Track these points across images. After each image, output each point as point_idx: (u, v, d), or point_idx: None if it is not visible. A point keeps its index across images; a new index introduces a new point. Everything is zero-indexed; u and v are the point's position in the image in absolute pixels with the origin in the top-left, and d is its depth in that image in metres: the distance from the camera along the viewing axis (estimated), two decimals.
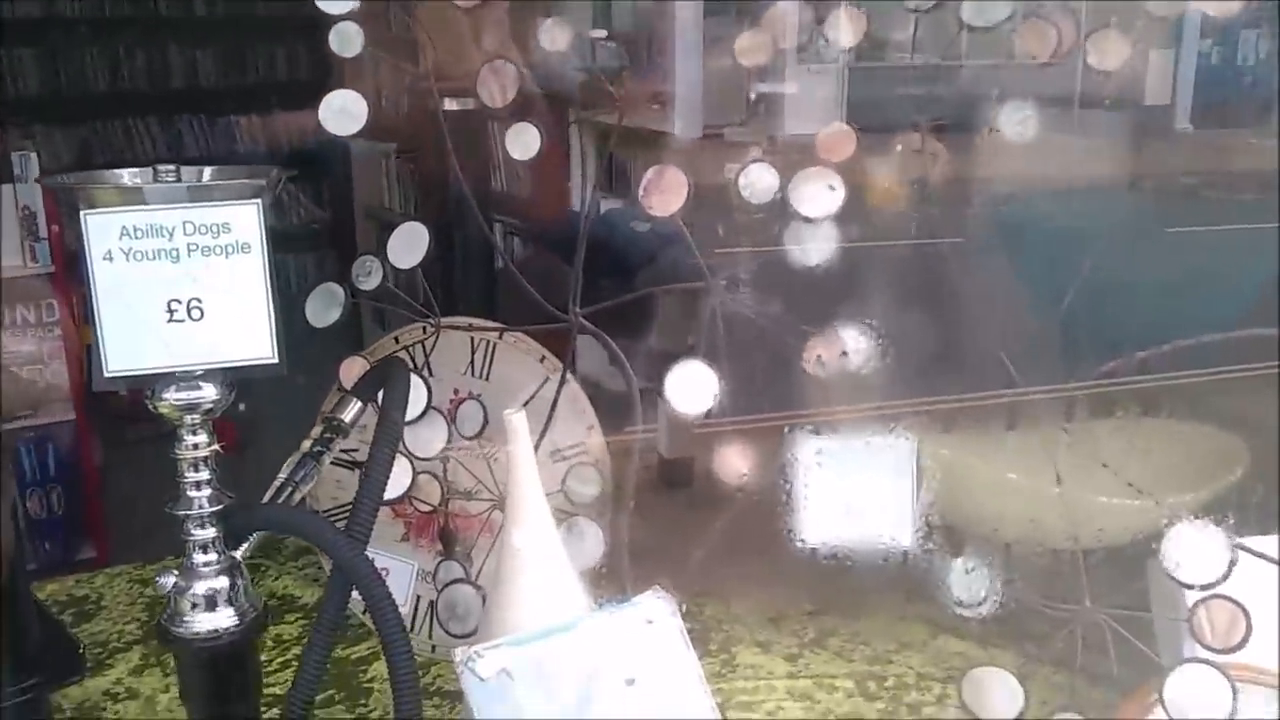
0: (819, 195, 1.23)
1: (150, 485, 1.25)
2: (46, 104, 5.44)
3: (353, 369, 1.46)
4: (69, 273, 3.24)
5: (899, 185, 1.41)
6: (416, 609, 1.46)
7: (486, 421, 1.39)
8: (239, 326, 0.90)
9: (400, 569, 1.47)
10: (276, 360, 0.91)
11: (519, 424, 1.13)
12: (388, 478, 1.05)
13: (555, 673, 1.03)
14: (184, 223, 0.87)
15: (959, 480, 1.36)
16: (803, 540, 1.35)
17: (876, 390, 1.30)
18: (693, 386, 1.25)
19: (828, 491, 1.36)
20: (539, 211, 2.11)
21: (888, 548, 1.34)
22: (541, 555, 1.13)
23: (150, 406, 0.96)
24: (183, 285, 0.88)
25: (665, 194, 1.26)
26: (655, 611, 1.09)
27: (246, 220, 0.89)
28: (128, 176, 0.95)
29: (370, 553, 1.48)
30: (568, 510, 1.36)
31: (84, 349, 3.30)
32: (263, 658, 1.48)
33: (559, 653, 1.05)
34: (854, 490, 1.36)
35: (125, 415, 3.61)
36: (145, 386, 0.93)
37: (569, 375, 1.40)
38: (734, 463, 1.33)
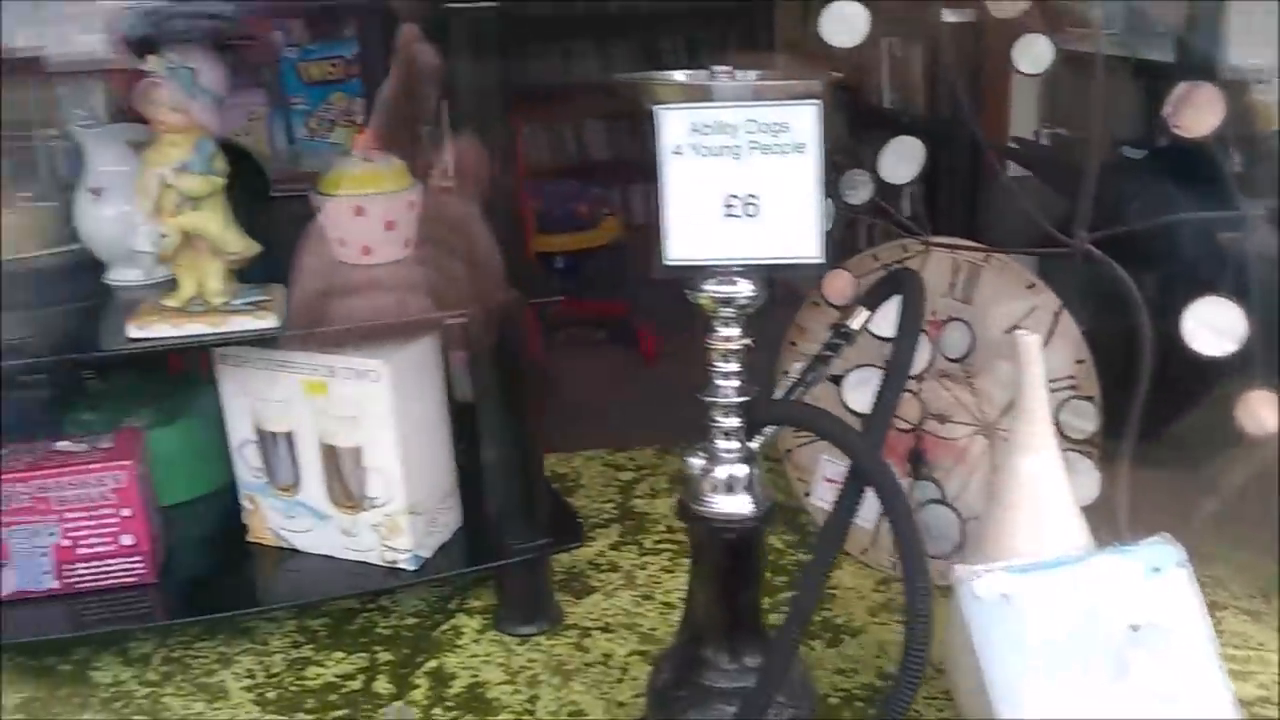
0: None
1: (593, 383, 1.33)
2: None
3: (836, 283, 1.48)
4: (529, 184, 3.50)
5: None
6: (878, 526, 1.46)
7: (973, 345, 1.36)
8: (788, 224, 0.92)
9: None
10: (821, 259, 0.93)
11: (1032, 346, 1.10)
12: (902, 388, 1.05)
13: (1055, 605, 1.00)
14: (747, 120, 0.91)
15: None
16: None
17: None
18: (1216, 326, 1.16)
19: None
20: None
21: None
22: (1048, 485, 1.09)
23: (688, 297, 1.01)
24: (741, 181, 0.92)
25: (1198, 110, 1.16)
26: (1163, 559, 1.03)
27: (805, 120, 0.90)
28: (686, 77, 1.00)
29: (837, 464, 1.51)
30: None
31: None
32: None
33: (1061, 586, 1.01)
34: None
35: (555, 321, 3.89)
36: (697, 276, 0.98)
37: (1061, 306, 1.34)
38: None
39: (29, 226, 1.38)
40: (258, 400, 1.31)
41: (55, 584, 1.29)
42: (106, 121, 1.43)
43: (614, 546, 1.57)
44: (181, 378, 1.55)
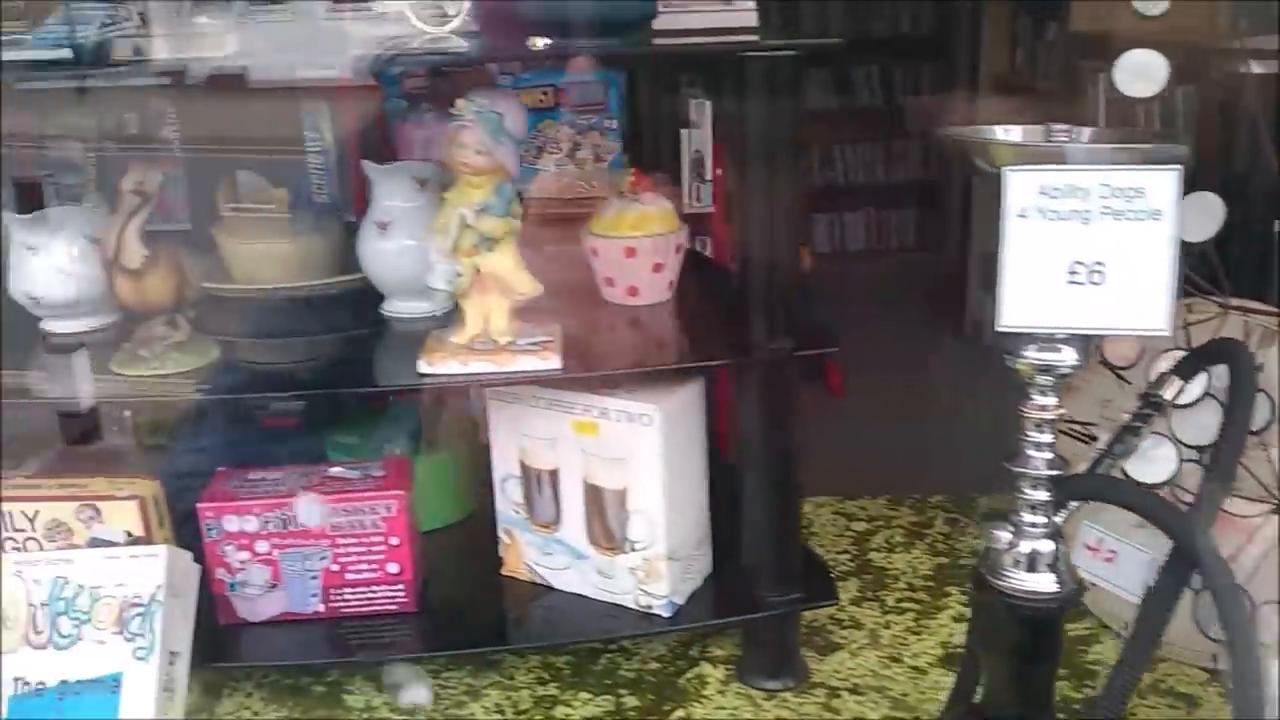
0: None
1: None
2: None
3: (1120, 345, 1.41)
4: (725, 214, 3.49)
5: None
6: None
7: (1274, 416, 1.28)
8: (1136, 293, 0.88)
9: (1133, 555, 1.40)
10: (1169, 333, 0.88)
11: None
12: (1235, 469, 0.98)
13: None
14: (1101, 185, 0.87)
15: None
16: None
17: None
18: None
19: None
20: None
21: None
22: None
23: (1006, 361, 0.98)
24: (1089, 247, 0.88)
25: None
26: None
27: (1164, 187, 0.86)
28: (1022, 134, 0.96)
29: (1100, 532, 1.44)
30: None
31: None
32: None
33: None
34: None
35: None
36: (1021, 344, 0.94)
37: None
38: None
39: (305, 255, 1.42)
40: (525, 437, 1.32)
41: (321, 608, 1.32)
42: (333, 143, 1.47)
43: (854, 601, 1.53)
44: (434, 407, 1.57)
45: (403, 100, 2.58)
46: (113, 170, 3.33)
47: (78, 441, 1.60)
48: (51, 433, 1.61)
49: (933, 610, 1.50)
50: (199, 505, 1.28)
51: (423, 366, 1.19)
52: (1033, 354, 0.96)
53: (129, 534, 1.27)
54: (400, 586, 1.32)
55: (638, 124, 2.38)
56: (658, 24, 1.24)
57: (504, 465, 1.35)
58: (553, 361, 1.19)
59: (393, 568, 1.31)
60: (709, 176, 3.77)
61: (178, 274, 1.20)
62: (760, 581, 1.33)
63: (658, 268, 1.37)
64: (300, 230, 1.41)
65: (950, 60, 4.78)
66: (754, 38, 1.25)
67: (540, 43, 1.24)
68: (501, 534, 1.39)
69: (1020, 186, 0.88)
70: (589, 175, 3.38)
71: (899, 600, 1.53)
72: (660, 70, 1.45)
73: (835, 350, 1.23)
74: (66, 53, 1.32)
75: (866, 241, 5.30)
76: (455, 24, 1.16)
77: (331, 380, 1.21)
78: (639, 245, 1.35)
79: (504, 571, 1.40)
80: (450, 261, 1.16)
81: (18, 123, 1.69)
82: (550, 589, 1.37)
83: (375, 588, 1.32)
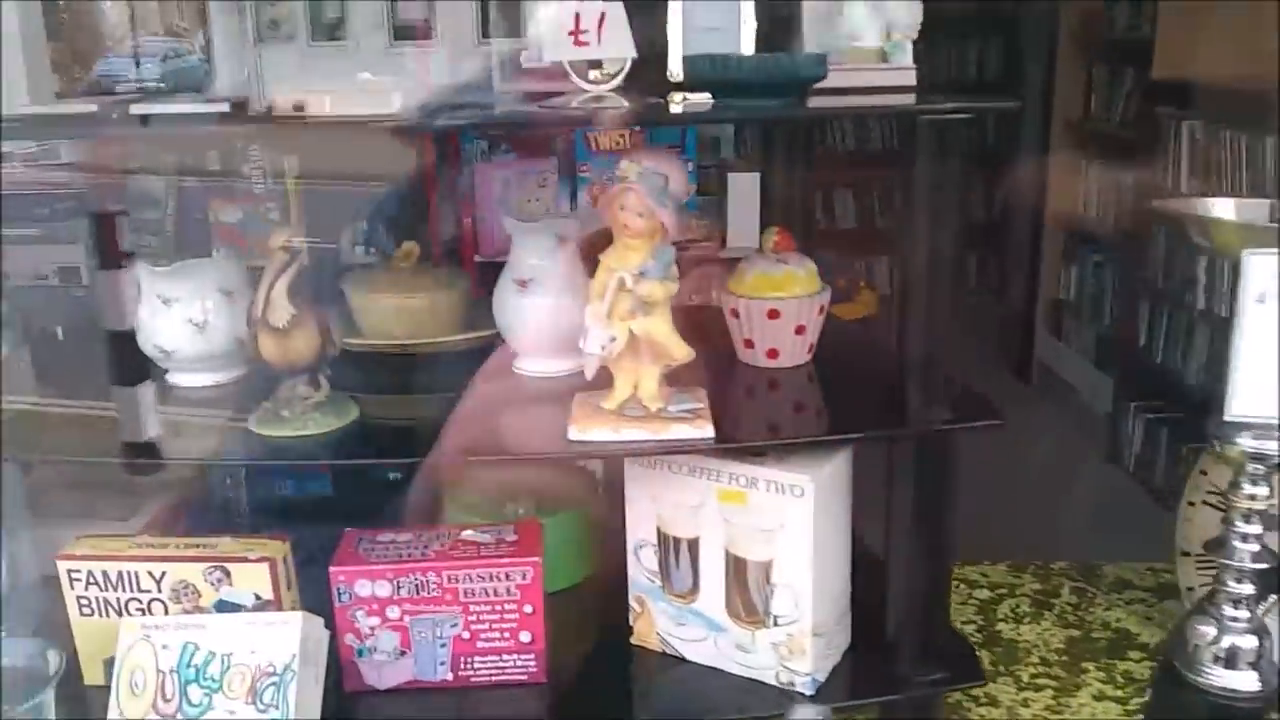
0: None
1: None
2: None
3: None
4: None
5: None
6: None
7: None
8: None
9: None
10: None
11: None
12: None
13: None
14: None
15: None
16: None
17: None
18: None
19: None
20: None
21: None
22: None
23: (1214, 446, 0.93)
24: None
25: None
26: None
27: None
28: (1240, 209, 0.92)
29: None
30: None
31: None
32: (1114, 692, 1.44)
33: None
34: None
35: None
36: (1235, 431, 0.89)
37: None
38: None
39: (436, 309, 1.39)
40: (664, 503, 1.27)
41: (449, 676, 1.28)
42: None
43: (987, 676, 1.47)
44: (554, 465, 1.53)
45: (481, 140, 2.56)
46: (193, 205, 3.33)
47: (186, 493, 1.57)
48: (158, 483, 1.58)
49: (1071, 688, 1.44)
50: (331, 569, 1.24)
51: (573, 433, 1.15)
52: (1248, 441, 0.91)
53: (257, 596, 1.24)
54: (531, 656, 1.27)
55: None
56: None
57: (639, 531, 1.31)
58: (706, 430, 1.15)
59: (524, 636, 1.27)
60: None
61: (322, 332, 1.17)
62: (903, 659, 1.28)
63: (800, 330, 1.32)
64: (432, 284, 1.38)
65: (1018, 106, 4.75)
66: (910, 97, 1.22)
67: (682, 98, 1.21)
68: (632, 601, 1.34)
69: (1260, 270, 0.83)
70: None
71: (1034, 676, 1.48)
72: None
73: (999, 424, 1.18)
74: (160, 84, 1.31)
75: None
76: (617, 81, 1.13)
77: (478, 445, 1.17)
78: (783, 307, 1.30)
79: (633, 640, 1.35)
80: (606, 326, 1.12)
81: (94, 154, 1.67)
82: (683, 661, 1.32)
83: (505, 657, 1.27)
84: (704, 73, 1.10)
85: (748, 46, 1.31)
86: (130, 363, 1.33)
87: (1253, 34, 3.32)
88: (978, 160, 4.75)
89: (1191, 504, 1.43)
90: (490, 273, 1.36)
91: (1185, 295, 3.30)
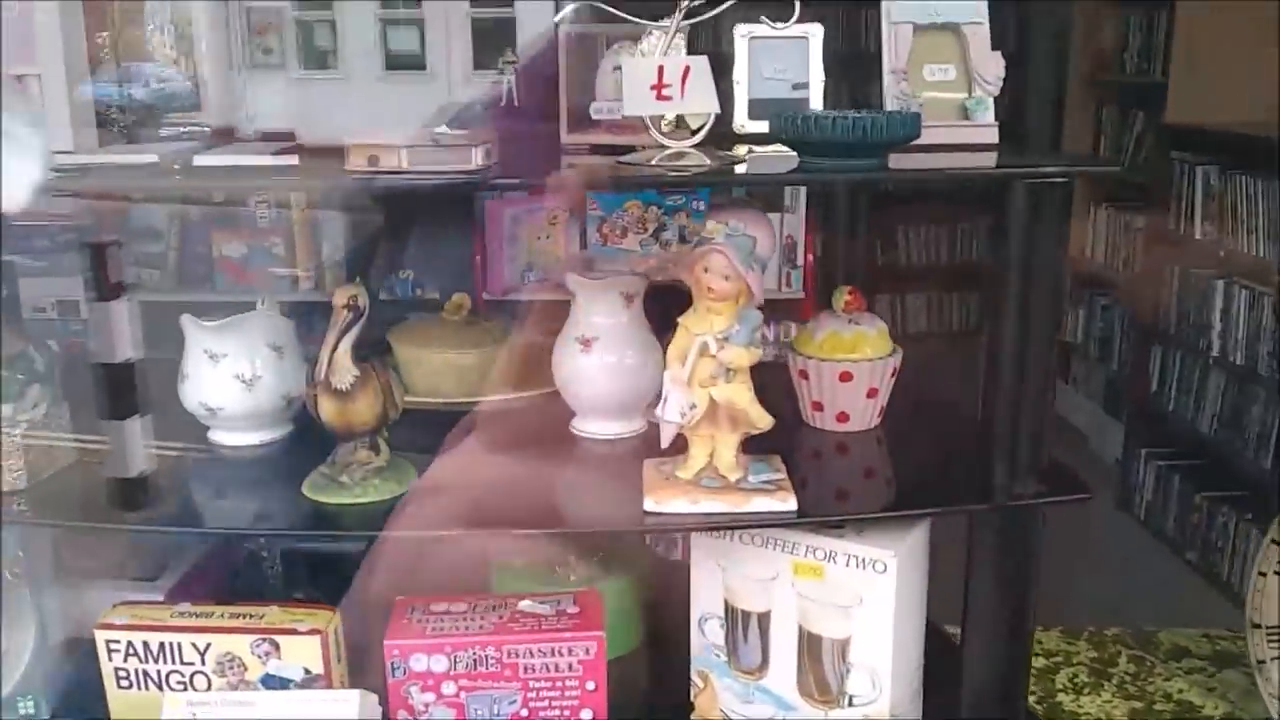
0: None
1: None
2: None
3: None
4: (815, 300, 3.42)
5: None
6: None
7: None
8: None
9: None
10: None
11: None
12: None
13: None
14: None
15: None
16: None
17: None
18: None
19: None
20: None
21: None
22: None
23: None
24: None
25: None
26: None
27: None
28: None
29: None
30: None
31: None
32: None
33: None
34: None
35: None
36: None
37: None
38: None
39: (487, 366, 1.34)
40: (734, 575, 1.22)
41: None
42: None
43: None
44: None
45: None
46: (196, 238, 3.24)
47: (216, 550, 1.50)
48: (183, 545, 1.51)
49: None
50: (386, 642, 1.17)
51: (649, 504, 1.09)
52: None
53: (307, 670, 1.17)
54: None
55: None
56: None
57: (705, 603, 1.25)
58: (789, 503, 1.09)
59: (585, 715, 1.21)
60: (800, 262, 3.70)
61: (384, 394, 1.11)
62: None
63: (872, 393, 1.28)
64: (486, 339, 1.33)
65: (1021, 146, 4.73)
66: (992, 157, 1.18)
67: (747, 150, 1.16)
68: (695, 676, 1.28)
69: None
70: (675, 257, 3.30)
71: None
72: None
73: (1088, 498, 1.13)
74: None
75: (928, 323, 5.24)
76: (700, 137, 1.09)
77: (547, 517, 1.11)
78: (855, 370, 1.26)
79: (695, 717, 1.29)
80: (686, 392, 1.07)
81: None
82: None
83: None
84: (791, 130, 1.05)
85: (816, 100, 1.27)
86: (173, 418, 1.27)
87: (1268, 79, 3.33)
88: (982, 201, 4.73)
89: (1263, 574, 1.39)
90: (497, 311, 1.30)
91: (1199, 340, 3.28)
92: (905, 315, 5.17)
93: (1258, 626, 1.39)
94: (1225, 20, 3.32)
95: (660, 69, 1.06)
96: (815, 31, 1.25)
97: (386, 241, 2.73)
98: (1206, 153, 3.29)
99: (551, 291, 3.02)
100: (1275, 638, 1.36)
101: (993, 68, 1.21)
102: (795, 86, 1.27)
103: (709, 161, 1.08)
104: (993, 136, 1.21)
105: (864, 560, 1.15)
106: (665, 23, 1.09)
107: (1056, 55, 1.20)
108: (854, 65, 1.57)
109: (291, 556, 1.51)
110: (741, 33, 1.26)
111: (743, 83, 1.26)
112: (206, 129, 1.18)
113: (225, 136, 1.33)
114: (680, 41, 1.09)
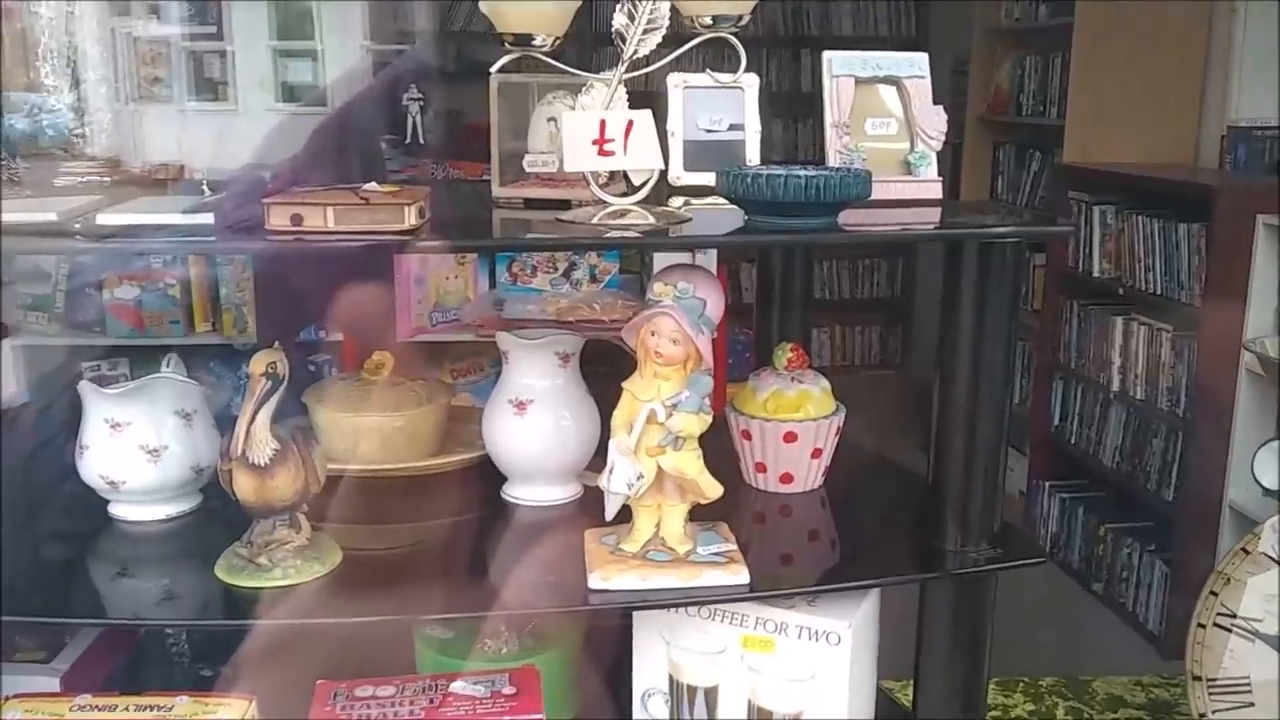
0: None
1: None
2: None
3: None
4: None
5: None
6: None
7: None
8: None
9: None
10: None
11: None
12: None
13: None
14: None
15: None
16: None
17: None
18: None
19: None
20: None
21: None
22: None
23: None
24: None
25: None
26: None
27: None
28: None
29: None
30: None
31: None
32: None
33: None
34: None
35: None
36: None
37: None
38: None
39: (414, 431, 1.26)
40: (679, 649, 1.16)
41: None
42: None
43: None
44: None
45: None
46: (87, 278, 3.06)
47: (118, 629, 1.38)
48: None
49: None
50: None
51: (595, 581, 1.03)
52: None
53: None
54: None
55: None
56: None
57: (648, 678, 1.19)
58: (741, 575, 1.05)
59: None
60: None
61: (306, 468, 1.03)
62: None
63: (816, 453, 1.24)
64: (411, 400, 1.25)
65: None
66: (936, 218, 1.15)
67: (683, 202, 1.12)
68: None
69: None
70: (588, 297, 3.23)
71: None
72: None
73: (1043, 561, 1.10)
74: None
75: (832, 358, 5.28)
76: (644, 194, 1.04)
77: (483, 598, 1.04)
78: (800, 430, 1.22)
79: None
80: (633, 462, 1.02)
81: None
82: None
83: None
84: (740, 188, 1.01)
85: (753, 150, 1.24)
86: (67, 492, 1.17)
87: (1159, 122, 3.43)
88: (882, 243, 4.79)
89: (1202, 625, 1.38)
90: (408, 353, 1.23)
91: (1100, 375, 3.35)
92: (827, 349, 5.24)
93: (1198, 679, 1.39)
94: (1119, 65, 3.41)
95: (602, 123, 1.01)
96: (751, 81, 1.21)
97: (293, 285, 2.62)
98: (1102, 192, 3.38)
99: (459, 332, 2.94)
100: (1218, 690, 1.36)
101: (935, 122, 1.18)
102: (731, 134, 1.23)
103: (653, 219, 1.03)
104: (937, 192, 1.19)
105: (817, 632, 1.10)
106: (607, 74, 1.04)
107: (951, 94, 1.19)
108: (789, 108, 1.54)
109: (199, 631, 1.40)
110: (675, 82, 1.21)
111: (677, 133, 1.22)
112: (107, 180, 1.09)
113: (127, 181, 1.24)
114: (622, 94, 1.04)
